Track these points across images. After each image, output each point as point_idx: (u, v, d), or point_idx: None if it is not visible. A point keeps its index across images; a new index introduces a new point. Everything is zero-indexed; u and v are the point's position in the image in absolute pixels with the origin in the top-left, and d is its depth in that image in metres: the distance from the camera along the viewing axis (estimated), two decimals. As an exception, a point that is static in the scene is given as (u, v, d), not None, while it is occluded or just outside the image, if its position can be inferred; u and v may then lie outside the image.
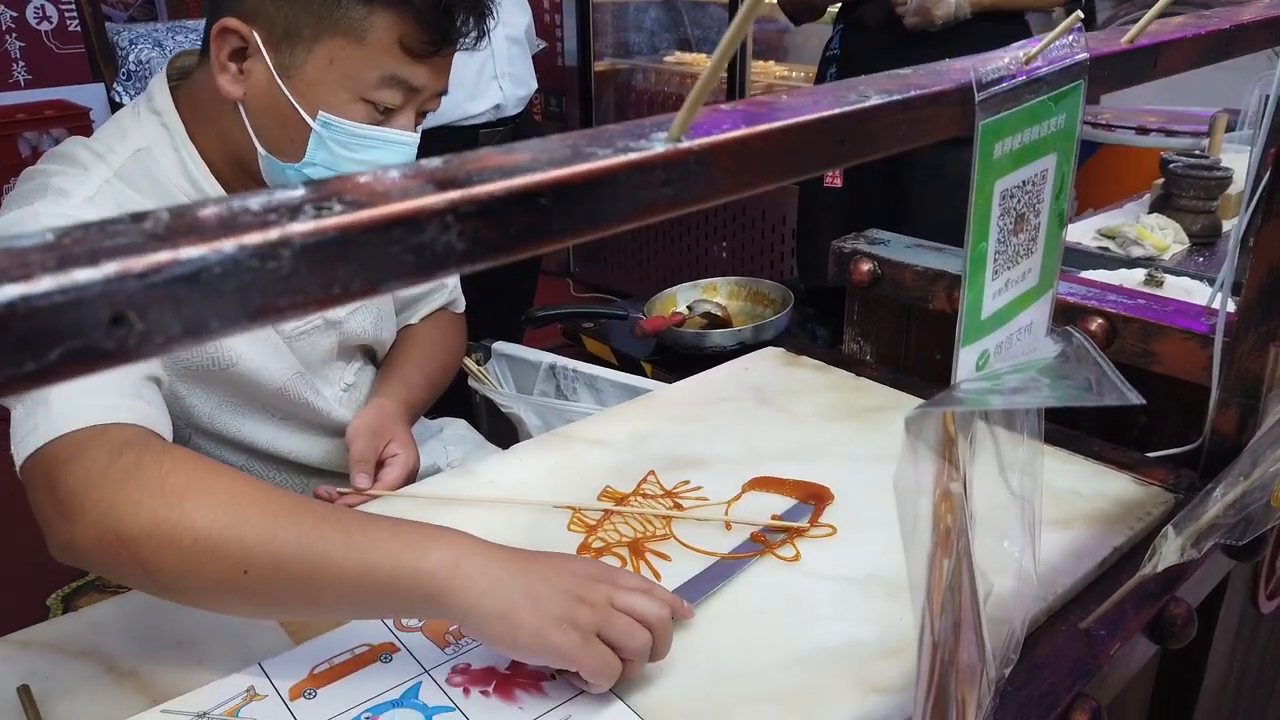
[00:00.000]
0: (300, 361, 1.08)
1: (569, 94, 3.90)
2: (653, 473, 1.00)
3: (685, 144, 0.33)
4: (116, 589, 0.97)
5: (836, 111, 0.37)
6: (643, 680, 0.73)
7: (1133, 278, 1.44)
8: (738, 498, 0.97)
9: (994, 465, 0.60)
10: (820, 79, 2.37)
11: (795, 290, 1.89)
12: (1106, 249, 1.65)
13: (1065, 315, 1.12)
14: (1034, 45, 0.45)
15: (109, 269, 0.21)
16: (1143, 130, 2.51)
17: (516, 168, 0.29)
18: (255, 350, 1.02)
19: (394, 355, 1.24)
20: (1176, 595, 0.86)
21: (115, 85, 3.14)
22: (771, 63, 3.58)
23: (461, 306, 1.33)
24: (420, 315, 1.28)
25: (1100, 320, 1.10)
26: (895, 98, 0.39)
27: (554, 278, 3.97)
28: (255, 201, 0.25)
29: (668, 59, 3.89)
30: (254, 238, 0.23)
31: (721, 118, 0.35)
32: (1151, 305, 1.10)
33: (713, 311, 1.63)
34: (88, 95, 3.15)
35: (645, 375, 1.60)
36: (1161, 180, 1.76)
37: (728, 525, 0.92)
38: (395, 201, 0.26)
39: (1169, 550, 0.74)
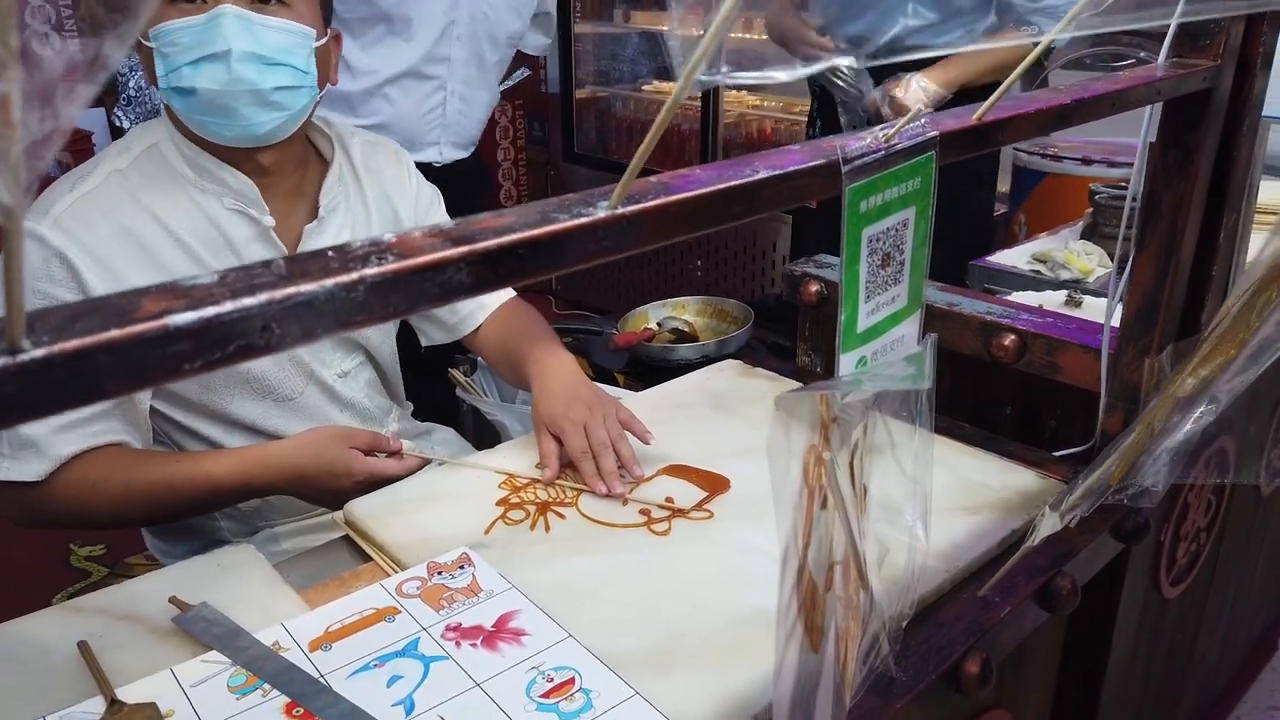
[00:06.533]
0: None
1: (551, 120, 4.06)
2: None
3: (621, 210, 0.47)
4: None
5: (731, 184, 0.52)
6: (609, 636, 0.87)
7: (1056, 299, 1.60)
8: (650, 479, 1.13)
9: (889, 451, 0.75)
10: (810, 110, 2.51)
11: (758, 309, 2.04)
12: (1039, 272, 1.81)
13: (982, 332, 1.28)
14: (892, 128, 0.60)
15: (262, 297, 0.36)
16: (1087, 161, 2.69)
17: (504, 229, 0.44)
18: None
19: (509, 341, 1.39)
20: (1064, 569, 1.01)
21: (115, 110, 3.27)
22: (744, 93, 3.74)
23: (513, 293, 1.47)
24: (487, 314, 1.43)
25: (1013, 336, 1.25)
26: (778, 172, 0.54)
27: (538, 295, 4.12)
28: (340, 254, 0.39)
29: (646, 88, 4.06)
30: (342, 278, 0.38)
31: (647, 189, 0.50)
32: (1057, 323, 1.25)
33: (680, 328, 1.78)
34: (89, 119, 3.28)
35: (618, 385, 1.74)
36: (1090, 209, 1.92)
37: (624, 500, 1.09)
38: (426, 254, 0.41)
39: (1045, 525, 0.89)
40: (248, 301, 0.36)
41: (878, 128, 0.60)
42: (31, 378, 0.31)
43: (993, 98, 0.69)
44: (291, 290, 0.37)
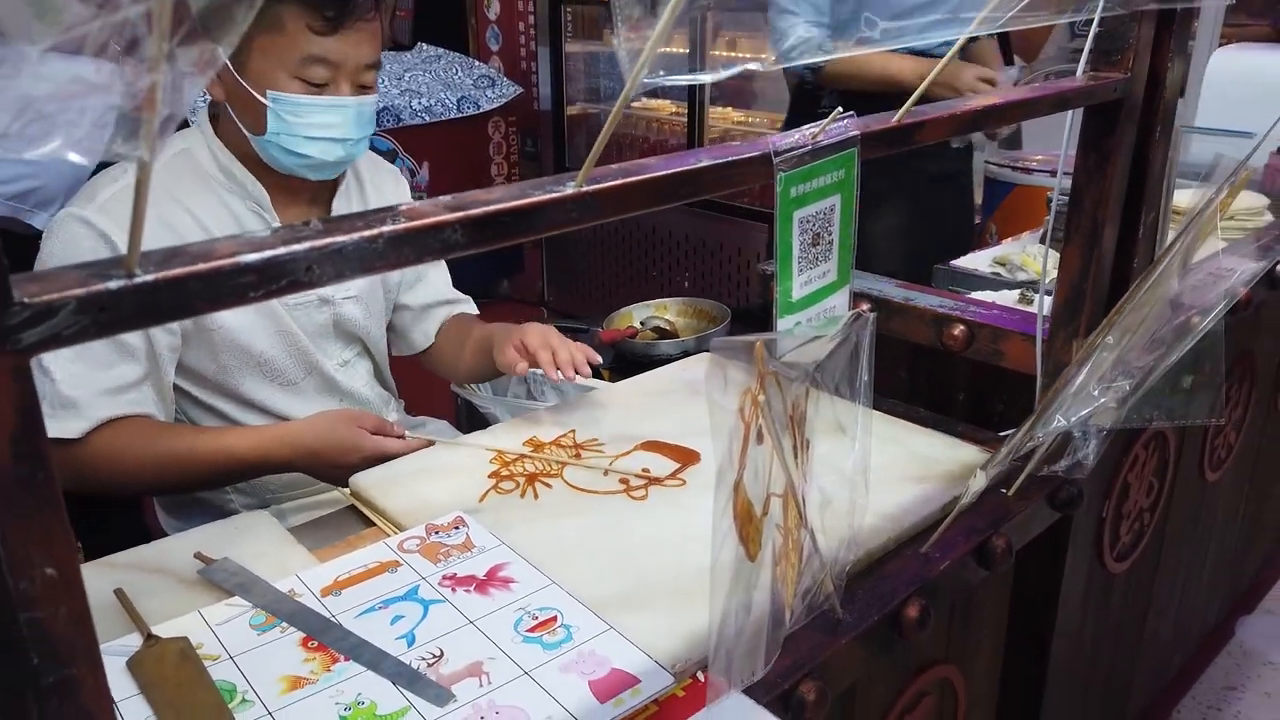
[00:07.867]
0: (301, 331, 1.38)
1: (543, 136, 4.19)
2: (573, 431, 1.30)
3: (585, 188, 0.59)
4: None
5: (677, 170, 0.63)
6: (589, 583, 0.98)
7: (1011, 297, 1.72)
8: (627, 453, 1.25)
9: (832, 419, 0.86)
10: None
11: (743, 316, 2.16)
12: (999, 274, 1.93)
13: (935, 323, 1.40)
14: (817, 127, 0.71)
15: (307, 245, 0.47)
16: (1056, 174, 2.81)
17: (491, 200, 0.55)
18: (234, 316, 1.33)
19: (474, 330, 1.55)
20: (1000, 530, 1.12)
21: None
22: (730, 109, 3.87)
23: (475, 309, 1.66)
24: (454, 314, 1.61)
25: (962, 327, 1.37)
26: (719, 160, 0.66)
27: (531, 306, 4.23)
28: (364, 215, 0.51)
29: (635, 104, 4.19)
30: (367, 232, 0.49)
31: (607, 173, 0.61)
32: (1001, 315, 1.37)
33: (662, 326, 1.89)
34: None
35: (603, 379, 1.85)
36: (1049, 216, 2.04)
37: (605, 472, 1.20)
38: (430, 217, 0.52)
39: (976, 483, 1.01)
40: (296, 248, 0.47)
41: (805, 127, 0.72)
42: (143, 296, 0.42)
43: (905, 107, 0.81)
44: (329, 240, 0.48)
